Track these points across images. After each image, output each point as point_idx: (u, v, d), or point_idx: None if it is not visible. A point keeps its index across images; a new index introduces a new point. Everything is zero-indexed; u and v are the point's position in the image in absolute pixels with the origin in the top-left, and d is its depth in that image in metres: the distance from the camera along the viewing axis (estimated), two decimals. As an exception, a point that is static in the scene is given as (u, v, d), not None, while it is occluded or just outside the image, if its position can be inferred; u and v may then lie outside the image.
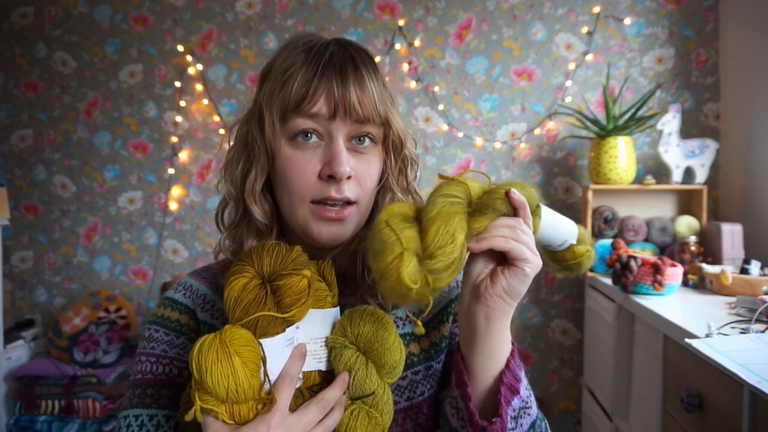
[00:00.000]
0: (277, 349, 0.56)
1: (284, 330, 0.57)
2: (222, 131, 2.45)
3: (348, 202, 0.66)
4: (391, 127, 0.67)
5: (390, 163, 0.70)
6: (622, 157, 2.02)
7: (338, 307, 0.64)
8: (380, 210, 0.65)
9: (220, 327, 0.61)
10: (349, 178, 0.64)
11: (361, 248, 0.69)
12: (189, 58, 2.45)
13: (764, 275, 1.59)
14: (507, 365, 0.59)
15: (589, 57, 2.28)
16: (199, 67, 2.45)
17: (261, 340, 0.54)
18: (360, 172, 0.66)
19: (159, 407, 0.66)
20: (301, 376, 0.59)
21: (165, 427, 0.65)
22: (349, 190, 0.65)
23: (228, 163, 0.70)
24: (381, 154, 0.69)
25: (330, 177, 0.63)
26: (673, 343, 1.29)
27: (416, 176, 0.75)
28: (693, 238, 1.91)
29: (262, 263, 0.58)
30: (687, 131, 2.17)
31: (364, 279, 0.69)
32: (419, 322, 0.58)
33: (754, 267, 1.59)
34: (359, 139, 0.66)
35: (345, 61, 0.65)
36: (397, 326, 0.70)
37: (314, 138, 0.64)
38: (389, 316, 0.63)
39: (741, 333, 1.17)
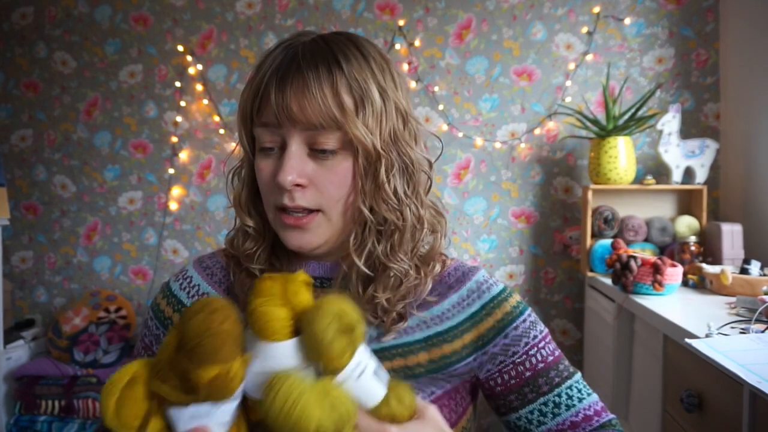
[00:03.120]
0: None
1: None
2: (222, 131, 2.45)
3: (308, 210, 0.63)
4: (348, 133, 0.61)
5: (358, 172, 0.64)
6: (622, 157, 2.02)
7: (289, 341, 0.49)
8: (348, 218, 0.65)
9: None
10: (300, 186, 0.62)
11: (355, 263, 0.66)
12: (189, 58, 2.45)
13: (764, 275, 1.59)
14: None
15: (589, 57, 2.28)
16: (199, 67, 2.45)
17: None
18: (319, 179, 0.63)
19: None
20: None
21: None
22: (302, 198, 0.63)
23: (232, 170, 0.73)
24: (351, 160, 0.64)
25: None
26: (673, 343, 1.29)
27: (429, 183, 0.71)
28: (693, 238, 1.91)
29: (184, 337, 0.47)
30: (687, 131, 2.17)
31: (359, 295, 0.66)
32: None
33: (754, 267, 1.59)
34: (321, 150, 0.62)
35: (291, 63, 0.62)
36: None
37: (276, 149, 0.64)
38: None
39: (741, 333, 1.17)
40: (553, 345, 0.73)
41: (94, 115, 2.52)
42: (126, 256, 2.52)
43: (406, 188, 0.66)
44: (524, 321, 0.71)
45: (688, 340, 1.12)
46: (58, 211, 2.55)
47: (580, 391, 0.70)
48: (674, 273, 1.56)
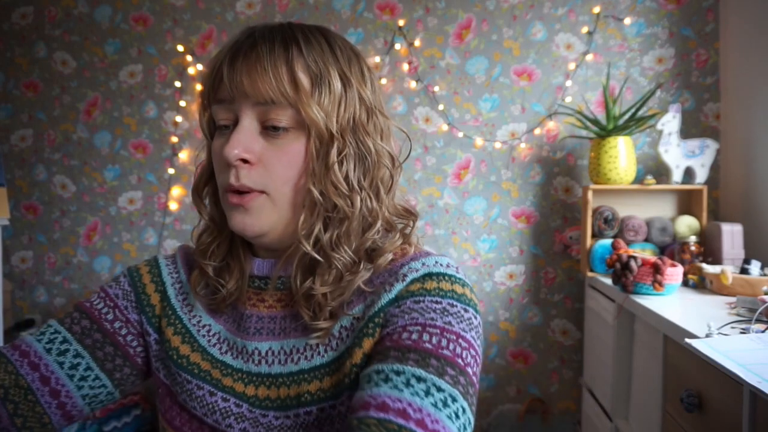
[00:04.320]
0: None
1: None
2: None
3: (252, 190, 0.61)
4: (301, 111, 0.60)
5: (310, 152, 0.62)
6: (622, 157, 2.02)
7: None
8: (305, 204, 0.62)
9: (185, 317, 0.68)
10: (246, 162, 0.61)
11: (297, 253, 0.64)
12: (189, 58, 2.45)
13: (764, 275, 1.59)
14: None
15: (589, 57, 2.28)
16: (199, 67, 2.45)
17: None
18: (267, 157, 0.61)
19: (81, 345, 0.69)
20: None
21: (70, 362, 0.67)
22: (246, 177, 0.61)
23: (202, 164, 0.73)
24: (303, 140, 0.62)
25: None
26: (673, 343, 1.29)
27: (392, 180, 0.67)
28: (693, 238, 1.91)
29: None
30: (687, 131, 2.18)
31: (298, 289, 0.63)
32: None
33: (754, 267, 1.59)
34: (273, 127, 0.61)
35: (245, 41, 0.62)
36: (306, 358, 0.63)
37: (231, 127, 0.63)
38: None
39: (741, 333, 1.17)
40: (455, 346, 0.56)
41: (94, 115, 2.52)
42: (126, 256, 2.52)
43: (361, 177, 0.64)
44: (437, 303, 0.59)
45: (688, 340, 1.12)
46: (58, 211, 2.55)
47: (426, 389, 0.51)
48: (674, 273, 1.56)
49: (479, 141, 2.34)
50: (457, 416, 0.50)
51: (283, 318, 0.66)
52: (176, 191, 2.48)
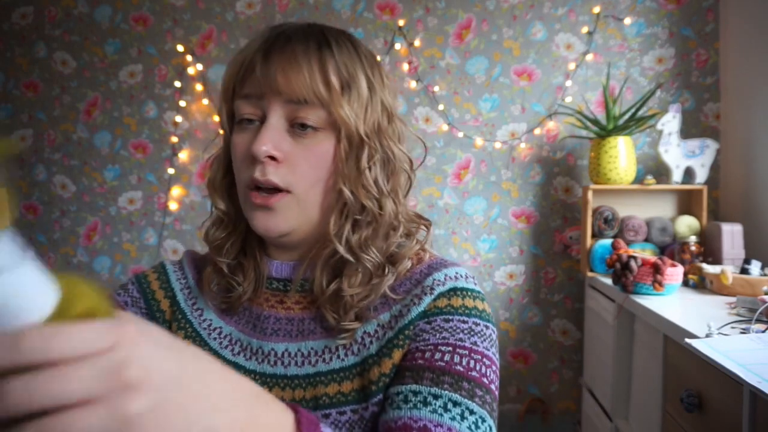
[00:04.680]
0: None
1: None
2: (222, 131, 2.44)
3: (277, 189, 0.61)
4: (332, 112, 0.60)
5: (339, 154, 0.62)
6: (622, 157, 2.02)
7: None
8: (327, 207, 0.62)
9: (195, 321, 0.68)
10: (274, 159, 0.60)
11: (322, 255, 0.64)
12: (189, 58, 2.45)
13: (764, 275, 1.59)
14: None
15: (589, 57, 2.28)
16: (199, 67, 2.45)
17: None
18: (294, 156, 0.61)
19: None
20: None
21: None
22: (274, 174, 0.60)
23: (213, 157, 0.72)
24: (332, 142, 0.62)
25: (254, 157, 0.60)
26: (673, 343, 1.29)
27: (410, 182, 0.69)
28: (693, 238, 1.91)
29: None
30: (687, 131, 2.17)
31: (323, 290, 0.64)
32: None
33: (754, 267, 1.59)
34: (301, 125, 0.61)
35: (279, 38, 0.61)
36: (324, 361, 0.63)
37: (257, 122, 0.62)
38: None
39: (741, 333, 1.17)
40: (481, 366, 0.59)
41: (94, 115, 2.52)
42: (126, 256, 2.52)
43: (386, 182, 0.65)
44: (464, 323, 0.61)
45: (688, 340, 1.12)
46: (58, 211, 2.55)
47: (461, 413, 0.54)
48: (674, 273, 1.56)
49: (479, 141, 2.34)
50: None
51: (301, 320, 0.66)
52: (176, 191, 2.48)
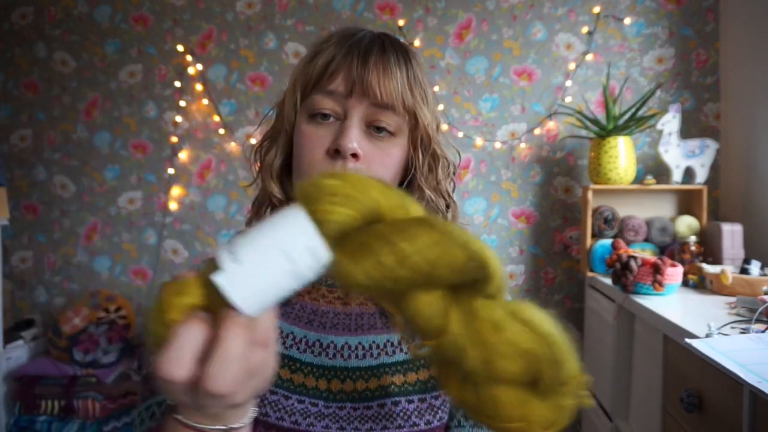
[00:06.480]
0: None
1: None
2: (222, 131, 2.45)
3: None
4: (417, 119, 0.66)
5: (417, 159, 0.67)
6: (622, 157, 2.02)
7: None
8: None
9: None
10: (355, 156, 0.62)
11: None
12: (189, 58, 2.45)
13: (764, 275, 1.59)
14: None
15: (589, 57, 2.28)
16: (199, 67, 2.45)
17: None
18: (372, 155, 0.64)
19: None
20: None
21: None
22: (354, 170, 0.63)
23: (261, 142, 0.72)
24: (405, 148, 0.67)
25: (336, 152, 0.62)
26: (673, 343, 1.29)
27: (453, 185, 0.74)
28: (693, 238, 1.91)
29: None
30: (687, 131, 2.17)
31: None
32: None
33: (754, 267, 1.59)
34: (377, 128, 0.64)
35: (372, 43, 0.65)
36: (387, 353, 0.68)
37: (332, 119, 0.64)
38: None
39: (741, 333, 1.17)
40: None
41: (94, 115, 2.52)
42: (126, 256, 2.52)
43: (448, 187, 0.72)
44: None
45: (688, 340, 1.12)
46: (58, 211, 2.55)
47: None
48: (674, 273, 1.56)
49: (479, 141, 2.34)
50: None
51: (359, 315, 0.69)
52: (176, 191, 2.48)
